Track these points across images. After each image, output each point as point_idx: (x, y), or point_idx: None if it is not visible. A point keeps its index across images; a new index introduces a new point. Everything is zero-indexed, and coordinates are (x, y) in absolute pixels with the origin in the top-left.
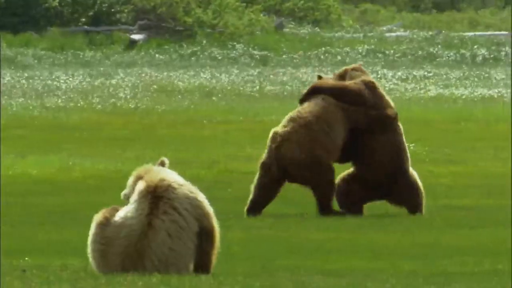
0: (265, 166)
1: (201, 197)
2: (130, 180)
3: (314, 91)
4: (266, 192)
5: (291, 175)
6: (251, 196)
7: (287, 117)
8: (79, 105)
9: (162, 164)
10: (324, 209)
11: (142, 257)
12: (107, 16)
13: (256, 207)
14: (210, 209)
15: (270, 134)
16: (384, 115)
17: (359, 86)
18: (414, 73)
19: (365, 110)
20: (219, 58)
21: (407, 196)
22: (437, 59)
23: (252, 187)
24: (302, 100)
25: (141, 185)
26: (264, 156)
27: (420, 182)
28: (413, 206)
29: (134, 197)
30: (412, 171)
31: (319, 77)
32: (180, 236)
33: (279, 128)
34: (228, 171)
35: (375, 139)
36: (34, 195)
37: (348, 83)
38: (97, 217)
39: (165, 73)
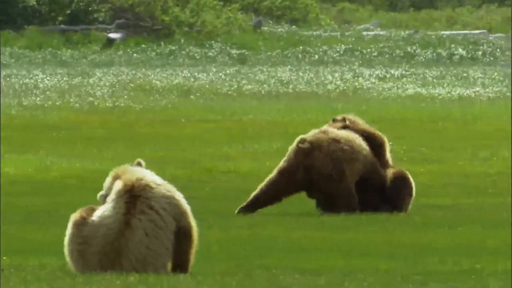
0: (285, 172)
1: (178, 196)
2: (107, 181)
3: (346, 127)
4: (275, 197)
5: (316, 183)
6: (254, 198)
7: (317, 130)
8: (57, 103)
9: (139, 165)
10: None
11: (119, 256)
12: (84, 15)
13: (256, 207)
14: (187, 208)
15: (296, 141)
16: (387, 178)
17: (385, 139)
18: (392, 72)
19: (378, 167)
20: (197, 57)
21: (391, 194)
22: (415, 58)
23: (260, 189)
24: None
25: (118, 185)
26: (284, 161)
27: (412, 182)
28: (397, 205)
29: (111, 196)
30: (406, 173)
31: (343, 119)
32: (157, 236)
33: (307, 137)
34: (206, 170)
35: (371, 194)
36: (12, 195)
37: (376, 131)
38: (74, 217)
39: (143, 72)
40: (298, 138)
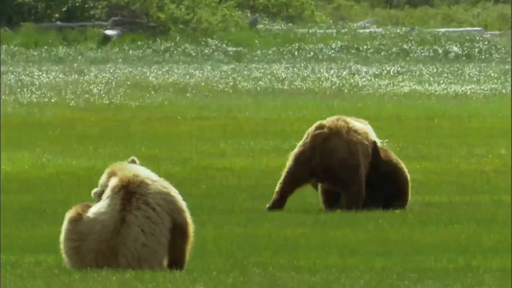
0: (302, 157)
1: (174, 192)
2: (103, 178)
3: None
4: (296, 184)
5: (331, 170)
6: (278, 190)
7: (335, 117)
8: (52, 101)
9: (133, 162)
10: (353, 208)
11: (115, 253)
12: (81, 12)
13: (283, 200)
14: (183, 204)
15: (315, 126)
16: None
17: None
18: (387, 69)
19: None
20: (193, 54)
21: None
22: (410, 55)
23: (281, 180)
24: None
25: (114, 181)
26: (299, 147)
27: (406, 178)
28: (395, 199)
29: (107, 193)
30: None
31: None
32: (153, 232)
33: (324, 122)
34: (202, 167)
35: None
36: (7, 192)
37: None
38: (70, 214)
39: (138, 69)
40: (316, 124)
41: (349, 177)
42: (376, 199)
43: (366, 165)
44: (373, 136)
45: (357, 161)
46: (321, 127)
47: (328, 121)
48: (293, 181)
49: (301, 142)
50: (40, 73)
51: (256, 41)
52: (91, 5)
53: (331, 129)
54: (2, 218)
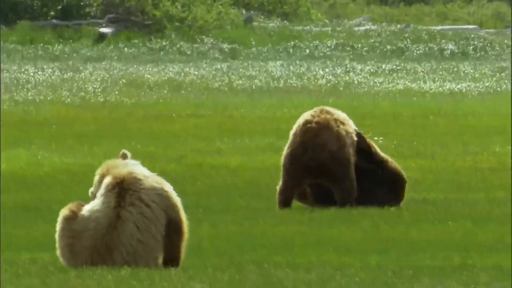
0: (294, 155)
1: (168, 188)
2: (96, 178)
3: None
4: (296, 183)
5: (324, 165)
6: (281, 188)
7: (318, 108)
8: (48, 98)
9: (124, 156)
10: (347, 204)
11: (111, 250)
12: (76, 10)
13: (289, 198)
14: (177, 200)
15: (302, 123)
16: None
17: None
18: (383, 66)
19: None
20: (188, 52)
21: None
22: (406, 53)
23: (281, 182)
24: None
25: (108, 179)
26: (289, 146)
27: (398, 175)
28: (387, 199)
29: (101, 191)
30: (391, 165)
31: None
32: (148, 228)
33: (309, 117)
34: (197, 165)
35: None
36: (3, 190)
37: None
38: (64, 212)
39: (134, 67)
40: (302, 120)
41: (341, 172)
42: (372, 189)
43: (353, 153)
44: (352, 124)
45: (347, 155)
46: (309, 122)
47: (313, 115)
48: (292, 181)
49: (289, 142)
50: (36, 70)
51: (251, 38)
52: (87, 2)
53: (320, 123)
54: None
